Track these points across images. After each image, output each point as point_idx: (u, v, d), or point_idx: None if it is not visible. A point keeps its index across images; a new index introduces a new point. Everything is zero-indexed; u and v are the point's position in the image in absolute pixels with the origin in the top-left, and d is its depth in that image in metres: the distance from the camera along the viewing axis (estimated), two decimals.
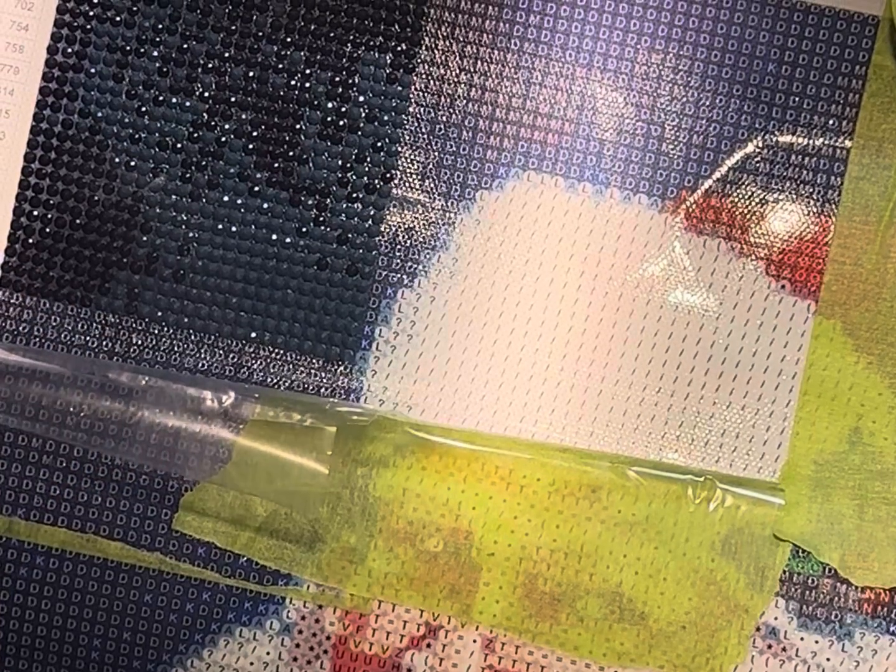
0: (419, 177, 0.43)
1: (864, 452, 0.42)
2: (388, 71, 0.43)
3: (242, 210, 0.43)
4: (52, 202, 0.43)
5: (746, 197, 0.42)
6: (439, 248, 0.43)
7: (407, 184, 0.43)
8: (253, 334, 0.43)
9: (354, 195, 0.43)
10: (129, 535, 0.43)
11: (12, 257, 0.43)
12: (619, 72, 0.43)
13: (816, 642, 0.41)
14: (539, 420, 0.42)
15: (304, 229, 0.43)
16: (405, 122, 0.43)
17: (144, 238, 0.43)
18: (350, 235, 0.43)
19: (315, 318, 0.43)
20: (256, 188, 0.43)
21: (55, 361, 0.43)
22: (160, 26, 0.43)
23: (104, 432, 0.43)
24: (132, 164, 0.43)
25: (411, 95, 0.43)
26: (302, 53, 0.43)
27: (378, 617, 0.42)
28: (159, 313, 0.43)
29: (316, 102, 0.43)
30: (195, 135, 0.43)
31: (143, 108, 0.43)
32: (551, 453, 0.42)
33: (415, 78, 0.43)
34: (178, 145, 0.43)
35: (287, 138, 0.43)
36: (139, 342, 0.43)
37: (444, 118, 0.43)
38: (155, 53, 0.43)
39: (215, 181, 0.43)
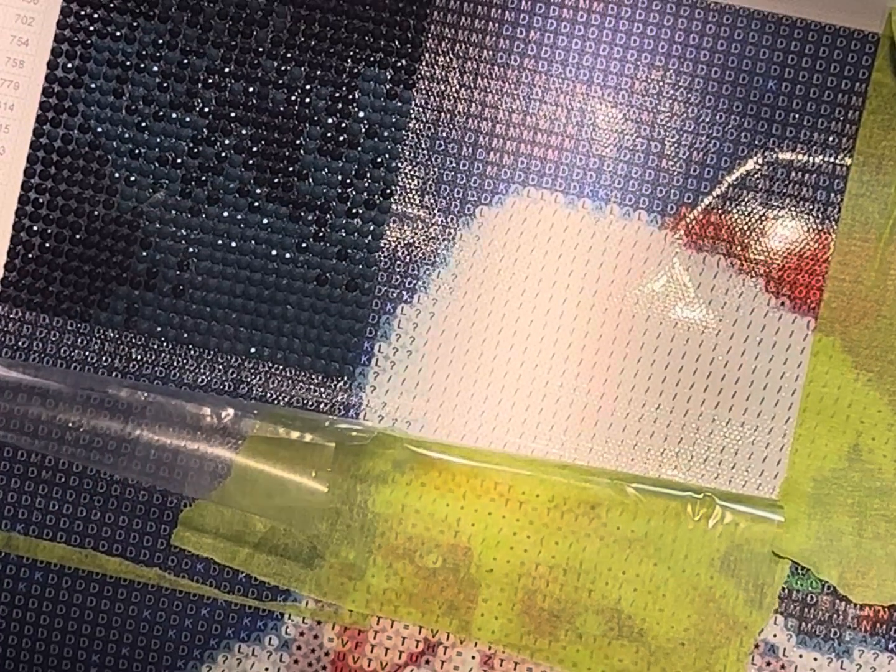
0: (419, 192, 0.43)
1: (864, 469, 0.42)
2: (388, 87, 0.43)
3: (242, 225, 0.43)
4: (51, 217, 0.43)
5: (746, 213, 0.42)
6: (439, 264, 0.43)
7: (406, 199, 0.43)
8: (252, 350, 0.43)
9: (354, 211, 0.43)
10: (127, 550, 0.43)
11: (11, 272, 0.43)
12: (619, 88, 0.43)
13: (815, 659, 0.41)
14: (538, 436, 0.42)
15: (303, 245, 0.43)
16: (405, 137, 0.43)
17: (144, 253, 0.43)
18: (349, 251, 0.43)
19: (314, 334, 0.43)
20: (256, 203, 0.43)
21: (54, 377, 0.43)
22: (160, 42, 0.43)
23: (103, 448, 0.43)
24: (132, 179, 0.43)
25: (411, 111, 0.43)
26: (302, 69, 0.43)
27: (377, 633, 0.42)
28: (158, 328, 0.43)
29: (316, 118, 0.43)
30: (195, 150, 0.43)
31: (143, 124, 0.43)
32: (550, 469, 0.42)
33: (415, 94, 0.43)
34: (178, 160, 0.43)
35: (287, 154, 0.43)
36: (138, 357, 0.43)
37: (444, 134, 0.43)
38: (155, 69, 0.43)
39: (215, 196, 0.43)
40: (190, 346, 0.43)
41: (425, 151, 0.43)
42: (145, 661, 0.43)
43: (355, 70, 0.43)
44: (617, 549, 0.42)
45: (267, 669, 0.42)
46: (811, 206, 0.42)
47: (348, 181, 0.43)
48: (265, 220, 0.43)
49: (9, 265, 0.43)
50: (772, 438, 0.42)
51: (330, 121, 0.43)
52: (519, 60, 0.43)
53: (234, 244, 0.43)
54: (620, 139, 0.43)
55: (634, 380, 0.42)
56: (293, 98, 0.43)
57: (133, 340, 0.43)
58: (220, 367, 0.43)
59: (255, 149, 0.43)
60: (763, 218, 0.42)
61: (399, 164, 0.43)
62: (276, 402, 0.43)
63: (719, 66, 0.43)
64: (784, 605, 0.41)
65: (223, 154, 0.43)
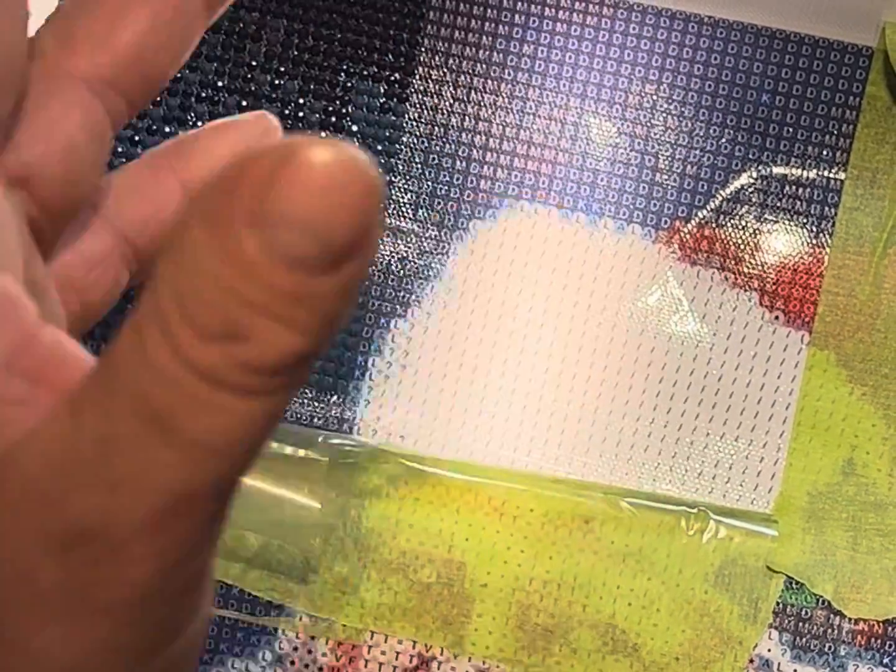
0: (412, 206, 0.43)
1: (858, 483, 0.42)
2: (381, 100, 0.43)
3: None
4: None
5: (740, 228, 0.42)
6: (433, 278, 0.43)
7: (400, 213, 0.43)
8: None
9: None
10: None
11: None
12: (613, 102, 0.43)
13: None
14: (532, 451, 0.42)
15: None
16: (398, 151, 0.43)
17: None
18: None
19: None
20: None
21: None
22: None
23: None
24: None
25: (405, 125, 0.43)
26: (295, 83, 0.43)
27: (371, 648, 0.42)
28: None
29: (309, 132, 0.43)
30: None
31: (137, 138, 0.43)
32: (544, 484, 0.42)
33: (408, 107, 0.43)
34: None
35: None
36: None
37: (438, 148, 0.43)
38: None
39: None
40: None
41: (419, 165, 0.43)
42: None
43: (349, 84, 0.43)
44: (611, 564, 0.42)
45: None
46: (805, 220, 0.42)
47: None
48: None
49: None
50: (766, 453, 0.42)
51: (323, 135, 0.43)
52: (512, 74, 0.43)
53: None
54: (614, 153, 0.43)
55: (628, 394, 0.42)
56: (286, 112, 0.43)
57: None
58: None
59: None
60: (757, 232, 0.42)
61: (393, 178, 0.43)
62: None
63: (713, 79, 0.43)
64: (778, 619, 0.41)
65: None
